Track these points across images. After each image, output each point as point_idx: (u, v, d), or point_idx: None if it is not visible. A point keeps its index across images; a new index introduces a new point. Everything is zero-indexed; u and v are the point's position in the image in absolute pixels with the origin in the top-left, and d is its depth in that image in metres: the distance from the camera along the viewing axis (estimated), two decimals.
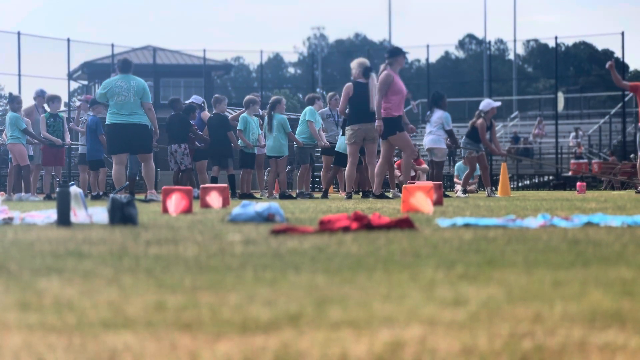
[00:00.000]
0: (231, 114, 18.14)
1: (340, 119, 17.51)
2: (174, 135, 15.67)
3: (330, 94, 17.88)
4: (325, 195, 15.73)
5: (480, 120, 16.41)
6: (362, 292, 2.62)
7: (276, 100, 15.79)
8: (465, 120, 42.05)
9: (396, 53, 13.75)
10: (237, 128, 16.05)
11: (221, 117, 15.83)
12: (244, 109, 17.06)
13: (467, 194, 16.77)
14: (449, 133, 16.41)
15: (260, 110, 17.51)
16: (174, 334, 1.99)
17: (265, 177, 18.06)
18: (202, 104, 17.27)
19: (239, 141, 16.04)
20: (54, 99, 16.51)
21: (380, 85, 13.26)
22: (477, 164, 17.04)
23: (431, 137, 16.24)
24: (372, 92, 13.54)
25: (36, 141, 16.17)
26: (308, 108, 16.39)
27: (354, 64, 13.96)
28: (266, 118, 15.85)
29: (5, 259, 3.63)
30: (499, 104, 17.23)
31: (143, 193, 14.39)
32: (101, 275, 3.05)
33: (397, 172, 17.83)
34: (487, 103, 16.67)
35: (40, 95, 17.06)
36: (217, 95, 16.28)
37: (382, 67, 13.71)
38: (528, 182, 35.07)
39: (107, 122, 12.67)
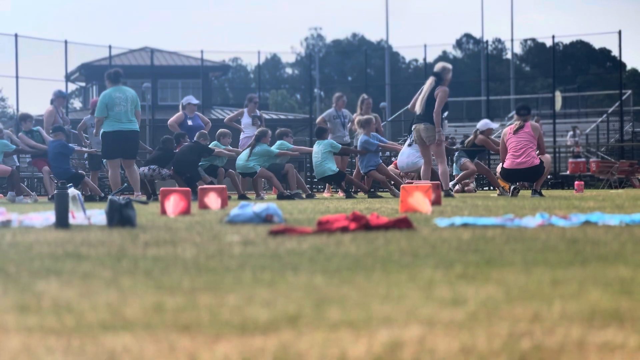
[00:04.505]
0: (229, 114, 18.18)
1: (346, 120, 17.41)
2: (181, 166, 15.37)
3: (337, 94, 17.78)
4: (373, 195, 15.64)
5: (480, 136, 16.47)
6: (361, 292, 2.62)
7: (261, 134, 15.55)
8: (463, 120, 42.09)
9: None
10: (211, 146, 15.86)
11: (197, 144, 15.40)
12: (242, 109, 17.25)
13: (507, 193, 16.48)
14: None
15: (257, 111, 17.51)
16: (172, 335, 1.99)
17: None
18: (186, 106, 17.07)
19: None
20: (26, 118, 16.60)
21: None
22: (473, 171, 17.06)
23: (410, 159, 16.26)
24: (420, 96, 13.79)
25: (30, 150, 16.19)
26: (279, 142, 16.08)
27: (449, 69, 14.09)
28: (252, 146, 15.57)
29: (3, 261, 3.62)
30: (496, 125, 17.38)
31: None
32: (100, 277, 3.05)
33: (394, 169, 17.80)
34: (484, 123, 16.82)
35: (59, 96, 17.25)
36: (204, 132, 15.87)
37: None
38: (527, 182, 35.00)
39: (105, 130, 13.36)
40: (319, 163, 15.58)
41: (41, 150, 16.01)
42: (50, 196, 15.85)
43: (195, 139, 15.45)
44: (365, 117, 16.39)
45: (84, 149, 16.78)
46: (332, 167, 15.49)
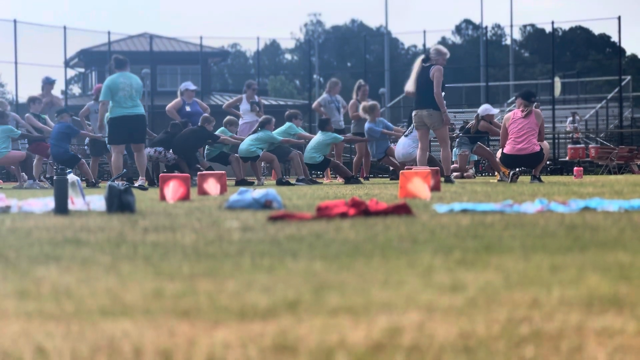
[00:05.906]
0: (228, 100, 18.20)
1: (339, 105, 17.51)
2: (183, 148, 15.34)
3: (332, 80, 17.94)
4: (356, 181, 15.69)
5: (483, 123, 16.46)
6: (360, 278, 2.62)
7: (266, 120, 15.54)
8: (462, 106, 42.05)
9: None
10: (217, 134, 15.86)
11: (202, 129, 15.33)
12: (240, 96, 17.36)
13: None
14: None
15: (256, 97, 17.53)
16: (172, 321, 1.99)
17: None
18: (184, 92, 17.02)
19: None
20: (35, 100, 16.68)
21: None
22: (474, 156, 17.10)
23: (406, 150, 16.26)
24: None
25: (37, 134, 16.17)
26: (288, 125, 16.04)
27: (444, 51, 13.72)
28: (255, 132, 15.59)
29: (3, 247, 3.63)
30: (497, 111, 17.32)
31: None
32: (99, 263, 3.05)
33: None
34: (484, 109, 16.77)
35: (47, 82, 17.43)
36: (207, 115, 15.82)
37: None
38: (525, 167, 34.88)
39: (111, 115, 13.55)
40: (311, 148, 15.66)
41: (46, 133, 16.06)
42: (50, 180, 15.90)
43: (200, 123, 15.40)
44: (370, 103, 16.43)
45: (89, 133, 16.78)
46: (318, 158, 15.58)
